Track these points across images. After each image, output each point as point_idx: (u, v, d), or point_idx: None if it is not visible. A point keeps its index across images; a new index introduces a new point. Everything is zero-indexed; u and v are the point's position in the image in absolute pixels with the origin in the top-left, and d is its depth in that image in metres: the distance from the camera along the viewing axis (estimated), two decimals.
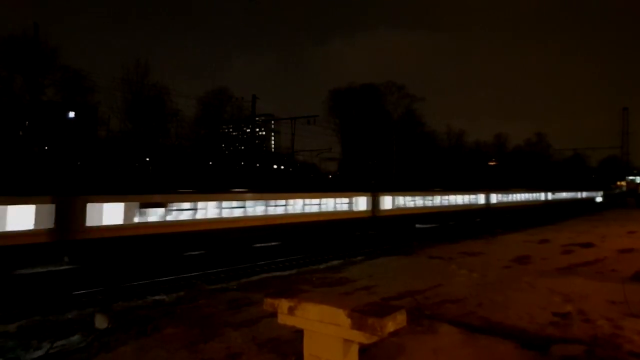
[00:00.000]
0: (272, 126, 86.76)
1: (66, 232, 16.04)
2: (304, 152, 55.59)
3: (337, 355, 3.95)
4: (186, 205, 19.52)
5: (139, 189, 19.77)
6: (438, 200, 37.18)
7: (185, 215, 19.40)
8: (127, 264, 17.18)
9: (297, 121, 45.70)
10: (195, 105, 50.70)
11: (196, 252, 19.69)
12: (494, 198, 46.38)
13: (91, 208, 16.69)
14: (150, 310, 9.31)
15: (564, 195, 67.54)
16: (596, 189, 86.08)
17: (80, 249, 16.42)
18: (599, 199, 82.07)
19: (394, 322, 3.73)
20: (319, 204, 25.73)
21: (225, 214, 20.78)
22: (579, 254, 15.96)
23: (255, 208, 22.23)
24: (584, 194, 76.56)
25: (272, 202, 23.01)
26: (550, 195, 61.83)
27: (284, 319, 4.34)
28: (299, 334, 4.56)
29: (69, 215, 16.13)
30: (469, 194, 42.32)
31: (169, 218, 18.80)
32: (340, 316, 3.83)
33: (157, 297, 11.97)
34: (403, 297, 9.52)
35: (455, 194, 39.75)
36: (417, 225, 33.66)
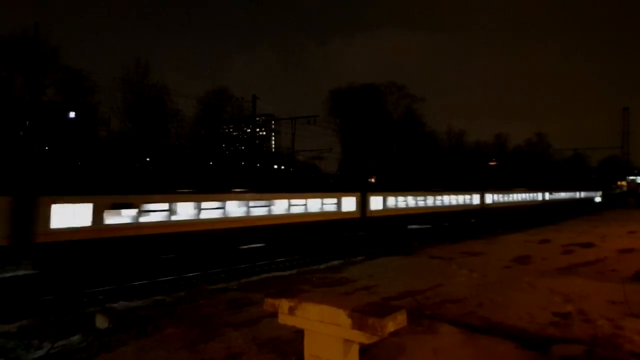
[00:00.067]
0: (273, 126, 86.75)
1: (28, 235, 15.12)
2: (304, 152, 55.63)
3: (338, 355, 3.96)
4: (161, 206, 18.68)
5: (112, 189, 19.08)
6: (431, 201, 36.45)
7: (160, 217, 18.57)
8: (96, 268, 16.21)
9: (297, 121, 45.70)
10: (195, 105, 50.78)
11: (173, 256, 18.80)
12: (489, 198, 45.56)
13: (57, 209, 15.70)
14: (150, 310, 9.32)
15: (562, 195, 66.76)
16: (595, 189, 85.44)
17: (44, 253, 15.41)
18: (598, 199, 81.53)
19: (395, 322, 3.73)
20: (305, 205, 24.90)
21: (204, 215, 20.03)
22: (579, 254, 15.96)
23: (236, 209, 21.37)
24: (583, 194, 75.69)
25: (254, 203, 22.19)
26: (547, 196, 61.01)
27: (284, 319, 4.35)
28: (299, 334, 4.56)
29: (31, 216, 15.22)
30: (463, 194, 41.54)
31: (143, 219, 17.97)
32: (341, 316, 3.84)
33: (157, 297, 11.98)
34: (403, 297, 9.52)
35: (449, 194, 39.07)
36: (410, 227, 32.88)
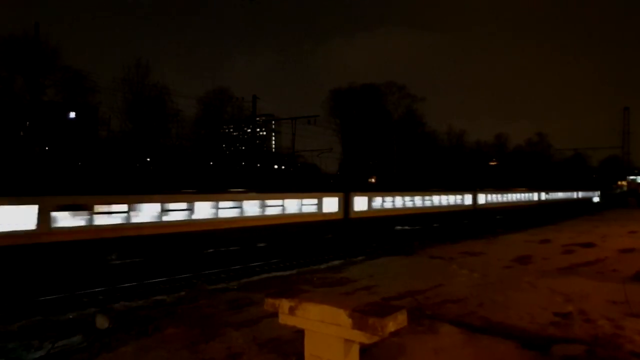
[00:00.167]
0: (273, 126, 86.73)
1: None
2: (304, 152, 55.62)
3: (338, 355, 3.95)
4: (118, 207, 17.54)
5: (60, 189, 18.02)
6: (419, 201, 35.31)
7: (116, 219, 17.42)
8: (39, 276, 15.08)
9: (297, 121, 45.65)
10: (195, 105, 50.83)
11: (129, 260, 17.80)
12: (482, 198, 44.28)
13: None
14: (151, 310, 9.32)
15: (559, 195, 65.66)
16: (594, 189, 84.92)
17: None
18: (596, 199, 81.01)
19: (395, 322, 3.73)
20: (281, 206, 23.70)
21: (167, 217, 18.94)
22: (579, 254, 15.96)
23: (204, 211, 20.28)
24: (581, 194, 74.66)
25: (223, 204, 21.05)
26: (544, 196, 59.57)
27: (284, 319, 4.34)
28: (299, 334, 4.56)
29: None
30: (454, 194, 40.36)
31: (98, 222, 16.81)
32: (341, 316, 3.83)
33: (158, 297, 11.98)
34: (404, 297, 9.52)
35: (439, 194, 37.99)
36: (398, 228, 31.85)
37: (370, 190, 36.95)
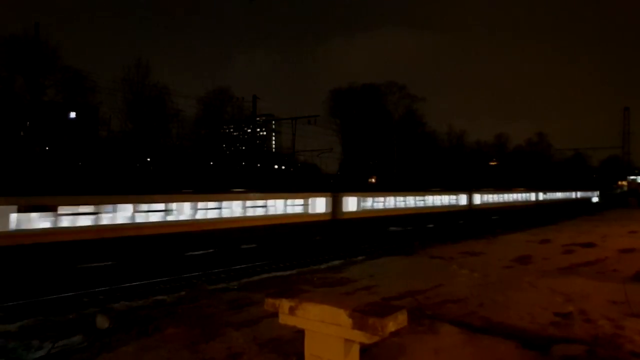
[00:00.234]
0: (273, 126, 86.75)
1: None
2: (305, 152, 55.61)
3: (338, 355, 3.95)
4: (86, 209, 16.72)
5: (26, 189, 17.20)
6: (412, 202, 34.65)
7: (85, 221, 16.66)
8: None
9: (298, 121, 45.65)
10: (195, 105, 50.77)
11: (97, 264, 16.96)
12: (478, 199, 43.54)
13: None
14: (151, 310, 9.33)
15: (557, 195, 64.94)
16: (593, 189, 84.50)
17: None
18: (595, 199, 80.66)
19: (395, 322, 3.73)
20: (264, 206, 23.02)
21: (141, 219, 18.18)
22: (580, 254, 15.95)
23: (182, 212, 19.65)
24: (579, 194, 74.07)
25: (203, 205, 20.39)
26: (542, 196, 58.63)
27: (285, 319, 4.35)
28: (300, 334, 4.56)
29: None
30: (449, 194, 39.63)
31: (64, 224, 16.07)
32: (342, 316, 3.83)
33: (158, 297, 11.99)
34: (404, 297, 9.51)
35: (432, 194, 37.31)
36: (392, 228, 31.32)
37: (370, 191, 36.79)
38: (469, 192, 42.57)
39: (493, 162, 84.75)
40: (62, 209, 16.14)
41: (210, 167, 50.49)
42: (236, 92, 76.22)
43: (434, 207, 37.14)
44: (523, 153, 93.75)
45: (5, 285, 13.78)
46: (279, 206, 23.90)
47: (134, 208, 18.15)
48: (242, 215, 22.01)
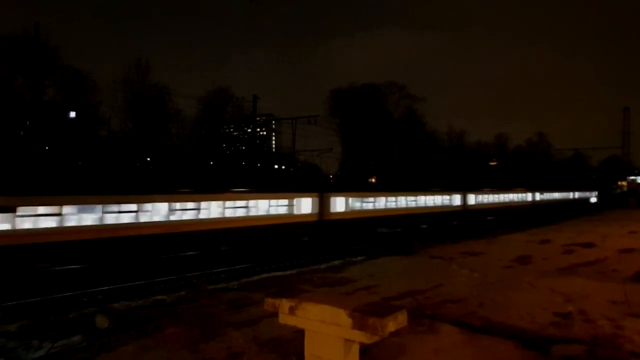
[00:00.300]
0: (273, 126, 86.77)
1: None
2: (305, 152, 55.65)
3: (338, 355, 3.95)
4: (45, 209, 15.81)
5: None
6: (403, 202, 33.80)
7: (46, 223, 15.84)
8: None
9: (298, 121, 45.70)
10: (196, 105, 50.80)
11: (60, 268, 15.99)
12: (472, 199, 42.62)
13: None
14: (151, 310, 9.32)
15: (555, 195, 64.02)
16: (592, 189, 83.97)
17: None
18: (593, 200, 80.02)
19: (395, 322, 3.72)
20: (245, 207, 22.07)
21: (110, 220, 17.26)
22: (580, 254, 15.96)
23: (156, 212, 18.77)
24: (578, 194, 73.17)
25: (179, 205, 19.50)
26: (538, 196, 57.48)
27: (284, 318, 4.34)
28: (299, 333, 4.56)
29: None
30: (442, 194, 38.75)
31: (22, 226, 15.23)
32: (341, 316, 3.83)
33: (158, 297, 11.98)
34: (404, 297, 9.52)
35: (425, 195, 36.49)
36: (382, 230, 30.31)
37: (370, 191, 36.57)
38: (463, 192, 41.81)
39: (493, 162, 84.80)
40: (21, 210, 15.32)
41: (210, 167, 50.49)
42: (236, 92, 76.17)
43: (426, 207, 36.39)
44: (523, 153, 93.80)
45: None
46: (261, 207, 23.02)
47: (103, 209, 17.22)
48: (221, 216, 21.12)
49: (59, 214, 16.18)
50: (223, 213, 21.24)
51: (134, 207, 18.21)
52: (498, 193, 48.67)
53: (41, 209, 15.87)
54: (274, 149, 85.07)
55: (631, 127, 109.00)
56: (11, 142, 35.89)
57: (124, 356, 6.37)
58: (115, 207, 17.70)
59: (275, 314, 4.47)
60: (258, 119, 59.58)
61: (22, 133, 37.34)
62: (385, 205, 32.19)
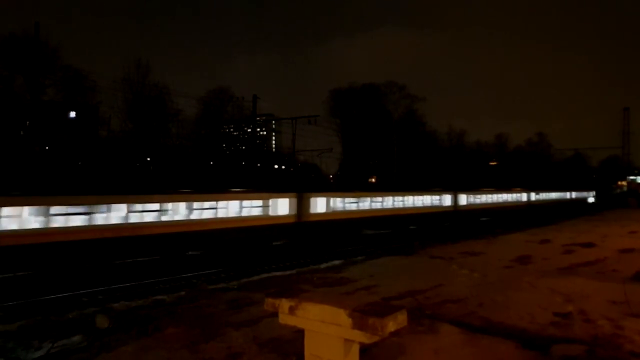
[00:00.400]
0: (273, 126, 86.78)
1: None
2: (305, 152, 55.68)
3: (338, 355, 3.95)
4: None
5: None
6: (390, 202, 32.85)
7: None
8: None
9: (298, 121, 45.73)
10: (196, 105, 50.92)
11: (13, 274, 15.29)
12: (464, 199, 41.78)
13: None
14: (151, 310, 9.32)
15: (551, 195, 63.19)
16: (590, 189, 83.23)
17: None
18: (591, 200, 79.17)
19: (395, 322, 3.72)
20: (215, 208, 21.04)
21: (58, 222, 16.31)
22: (580, 254, 15.95)
23: (111, 215, 17.77)
24: (575, 195, 72.31)
25: (141, 207, 18.52)
26: (533, 196, 56.46)
27: (284, 318, 4.34)
28: (299, 333, 4.56)
29: None
30: (432, 194, 37.84)
31: None
32: (341, 316, 3.83)
33: (158, 297, 11.98)
34: (404, 297, 9.51)
35: (413, 195, 35.61)
36: (368, 232, 29.49)
37: (370, 191, 36.43)
38: (454, 192, 40.93)
39: (493, 162, 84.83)
40: None
41: (210, 167, 50.50)
42: (236, 92, 76.27)
43: (414, 208, 35.39)
44: (523, 153, 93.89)
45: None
46: (232, 208, 21.87)
47: (46, 211, 16.21)
48: (186, 218, 20.11)
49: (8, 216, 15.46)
50: (189, 215, 20.22)
51: (85, 208, 17.07)
52: (491, 193, 47.82)
53: None
54: (274, 149, 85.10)
55: (631, 127, 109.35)
56: (11, 142, 35.89)
57: (124, 356, 6.37)
58: (72, 209, 16.67)
59: (275, 314, 4.47)
60: (258, 119, 59.60)
61: (22, 133, 37.35)
62: (370, 205, 31.20)
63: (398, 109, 70.03)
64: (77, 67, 42.26)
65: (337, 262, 18.00)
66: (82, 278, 15.41)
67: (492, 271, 12.62)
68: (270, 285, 11.70)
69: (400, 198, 34.35)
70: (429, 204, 37.44)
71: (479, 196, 45.21)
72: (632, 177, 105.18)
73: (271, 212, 23.64)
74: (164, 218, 19.51)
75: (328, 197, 27.63)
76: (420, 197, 36.60)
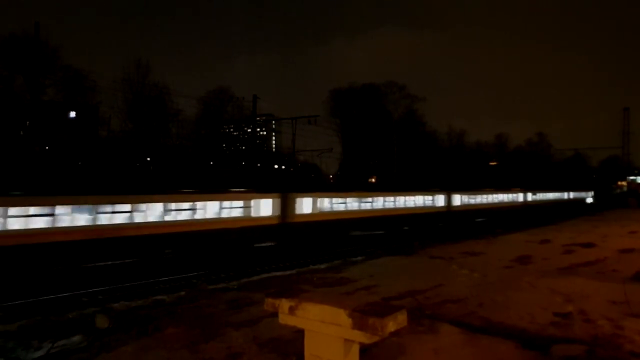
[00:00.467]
0: (273, 126, 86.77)
1: None
2: (305, 152, 55.69)
3: (338, 355, 3.95)
4: None
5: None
6: (380, 203, 32.16)
7: None
8: None
9: (298, 121, 45.76)
10: (196, 105, 51.00)
11: None
12: (457, 199, 41.14)
13: None
14: (151, 310, 9.31)
15: (549, 196, 62.46)
16: (588, 189, 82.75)
17: None
18: (589, 200, 78.55)
19: (395, 322, 3.72)
20: (192, 209, 20.32)
21: (15, 225, 15.47)
22: (580, 254, 15.95)
23: (77, 216, 16.98)
24: (573, 195, 71.52)
25: (108, 208, 17.72)
26: (530, 196, 55.61)
27: (284, 319, 4.34)
28: (299, 334, 4.56)
29: None
30: (424, 194, 37.10)
31: None
32: (341, 316, 3.83)
33: (158, 297, 11.98)
34: (404, 297, 9.51)
35: (405, 195, 34.94)
36: (356, 233, 28.54)
37: (370, 191, 36.30)
38: (447, 192, 40.24)
39: (493, 162, 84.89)
40: None
41: (211, 167, 50.53)
42: (236, 92, 76.26)
43: (406, 208, 34.64)
44: (523, 153, 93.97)
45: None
46: (210, 209, 21.05)
47: (4, 212, 15.32)
48: (159, 220, 19.30)
49: None
50: (163, 217, 19.46)
51: (47, 209, 16.18)
52: (486, 193, 47.28)
53: None
54: (274, 149, 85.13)
55: (631, 127, 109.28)
56: (11, 141, 35.91)
57: (124, 356, 6.37)
58: (21, 210, 15.74)
59: (275, 314, 4.47)
60: (258, 119, 59.61)
61: (22, 133, 37.38)
62: (360, 206, 30.58)
63: (398, 109, 70.19)
64: (77, 67, 42.40)
65: (337, 262, 17.99)
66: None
67: (492, 271, 12.62)
68: (270, 285, 11.70)
69: (391, 198, 33.70)
70: (422, 205, 36.79)
71: (473, 196, 44.56)
72: (632, 177, 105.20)
73: (253, 214, 22.86)
74: (137, 220, 18.65)
75: (314, 197, 26.80)
76: (412, 198, 35.95)
